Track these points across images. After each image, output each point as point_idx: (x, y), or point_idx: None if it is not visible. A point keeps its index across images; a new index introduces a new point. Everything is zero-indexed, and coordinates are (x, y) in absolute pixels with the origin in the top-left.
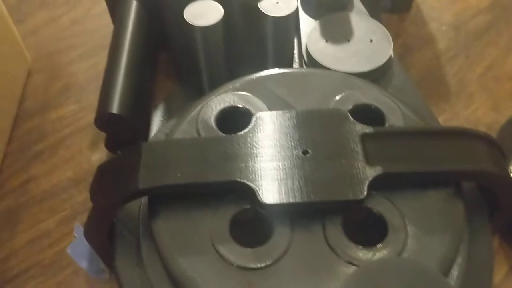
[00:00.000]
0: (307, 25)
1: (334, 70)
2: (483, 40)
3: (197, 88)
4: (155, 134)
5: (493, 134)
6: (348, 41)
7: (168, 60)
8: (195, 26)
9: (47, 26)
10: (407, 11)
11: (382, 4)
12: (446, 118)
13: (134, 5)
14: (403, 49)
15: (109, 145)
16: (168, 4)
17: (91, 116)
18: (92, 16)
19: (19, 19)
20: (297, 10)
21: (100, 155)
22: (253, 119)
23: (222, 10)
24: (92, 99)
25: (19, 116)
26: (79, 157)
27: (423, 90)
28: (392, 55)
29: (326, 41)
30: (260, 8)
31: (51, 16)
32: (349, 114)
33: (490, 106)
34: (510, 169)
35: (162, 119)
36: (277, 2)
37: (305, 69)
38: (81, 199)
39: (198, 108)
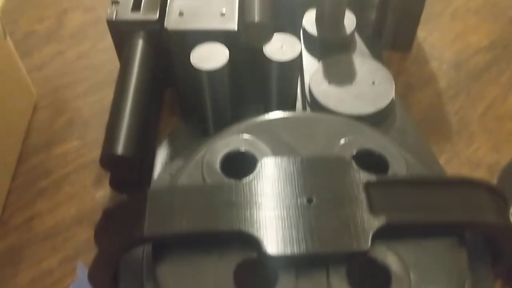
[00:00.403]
0: (310, 64)
1: (337, 114)
2: (483, 79)
3: (202, 126)
4: (160, 174)
5: (495, 175)
6: (351, 82)
7: (174, 96)
8: (202, 70)
9: (53, 60)
10: (408, 50)
11: (384, 42)
12: (448, 158)
13: (140, 44)
14: (405, 87)
15: (114, 184)
16: (175, 47)
17: (95, 152)
18: (98, 51)
19: (26, 53)
20: (300, 54)
21: (104, 192)
22: (258, 165)
23: (228, 53)
24: (96, 134)
25: (24, 151)
26: (83, 194)
27: (425, 129)
28: (394, 97)
29: (329, 83)
30: (265, 52)
31: (57, 50)
32: (353, 162)
33: (491, 146)
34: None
35: (166, 156)
36: (282, 46)
37: (308, 113)
38: (84, 237)
39: (203, 151)
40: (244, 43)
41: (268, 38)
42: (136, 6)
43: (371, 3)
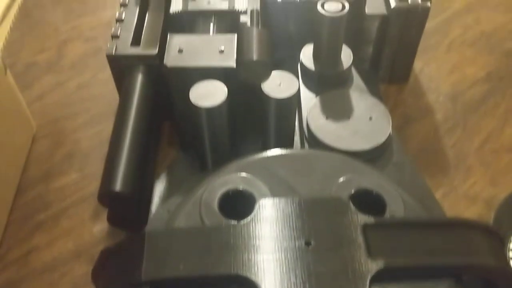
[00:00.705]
0: (308, 99)
1: (335, 151)
2: (480, 111)
3: (200, 159)
4: (158, 210)
5: (492, 210)
6: (348, 118)
7: (172, 128)
8: (201, 108)
9: (53, 91)
10: (405, 82)
11: (380, 75)
12: (445, 192)
13: (139, 78)
14: (401, 119)
15: (111, 219)
16: (174, 83)
17: (93, 185)
18: (98, 82)
19: (26, 84)
20: (298, 91)
21: (101, 226)
22: (256, 207)
23: (226, 91)
24: (95, 167)
25: (22, 184)
26: (81, 228)
27: (421, 162)
28: (391, 133)
29: (327, 118)
30: (263, 90)
31: (57, 81)
32: (350, 203)
33: (488, 180)
34: (510, 247)
35: (164, 190)
36: (280, 83)
37: (306, 151)
38: (81, 272)
39: (201, 190)
40: (243, 80)
41: (266, 75)
42: (136, 41)
43: (367, 37)
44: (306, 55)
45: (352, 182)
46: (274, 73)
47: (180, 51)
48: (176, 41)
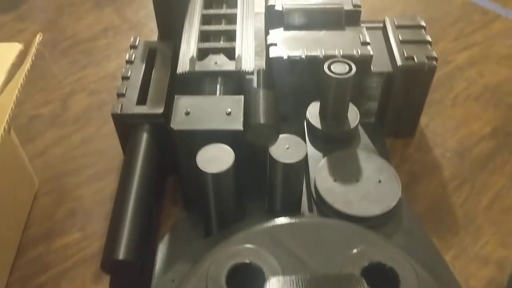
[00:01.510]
0: (315, 158)
1: (344, 216)
2: (488, 168)
3: (205, 222)
4: (161, 278)
5: (504, 272)
6: (357, 180)
7: (175, 182)
8: (207, 173)
9: (56, 145)
10: (411, 136)
11: (386, 129)
12: (455, 254)
13: (144, 137)
14: (409, 176)
15: (114, 286)
16: (181, 146)
17: (96, 245)
18: (101, 136)
19: (29, 138)
20: (306, 156)
21: None
22: (266, 286)
23: (233, 156)
24: (98, 226)
25: (23, 243)
26: None
27: (430, 222)
28: (400, 197)
29: (335, 180)
30: (271, 153)
31: (60, 135)
32: (364, 281)
33: (499, 241)
34: None
35: (168, 253)
36: (287, 148)
37: (316, 219)
38: None
39: (207, 263)
40: (250, 143)
41: (273, 138)
42: (142, 99)
43: (373, 93)
44: (313, 113)
45: (364, 255)
46: (282, 136)
47: (187, 113)
48: (182, 103)
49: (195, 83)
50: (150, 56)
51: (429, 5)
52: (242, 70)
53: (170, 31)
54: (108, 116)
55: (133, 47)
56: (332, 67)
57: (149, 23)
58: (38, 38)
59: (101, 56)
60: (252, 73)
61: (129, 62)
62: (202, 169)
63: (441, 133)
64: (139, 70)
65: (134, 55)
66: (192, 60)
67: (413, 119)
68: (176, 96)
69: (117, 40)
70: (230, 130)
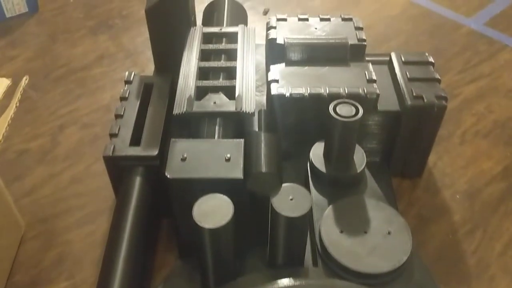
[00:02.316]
0: (320, 205)
1: (351, 272)
2: (499, 212)
3: (202, 275)
4: None
5: None
6: (365, 232)
7: (170, 227)
8: (204, 228)
9: (45, 184)
10: (418, 177)
11: (393, 168)
12: None
13: (138, 181)
14: (417, 220)
15: None
16: (176, 195)
17: None
18: (93, 174)
19: (17, 175)
20: (311, 209)
21: None
22: None
23: (233, 209)
24: (87, 274)
25: None
26: None
27: (441, 271)
28: (412, 250)
29: (341, 231)
30: (273, 205)
31: (50, 172)
32: None
33: None
34: None
35: None
36: (291, 199)
37: (322, 282)
38: None
39: None
40: (250, 193)
41: (276, 188)
42: (136, 140)
43: (379, 132)
44: (317, 154)
45: None
46: (285, 186)
47: (183, 159)
48: (179, 147)
49: (192, 122)
50: (146, 92)
51: (434, 34)
52: (243, 111)
53: (168, 63)
54: (101, 152)
55: (128, 82)
56: (337, 109)
57: (146, 51)
58: (24, 81)
59: (95, 86)
60: (253, 114)
61: (123, 98)
62: (199, 223)
63: (449, 173)
64: (134, 107)
65: (128, 91)
66: (189, 100)
67: (421, 159)
68: (172, 140)
69: (112, 69)
70: (229, 178)
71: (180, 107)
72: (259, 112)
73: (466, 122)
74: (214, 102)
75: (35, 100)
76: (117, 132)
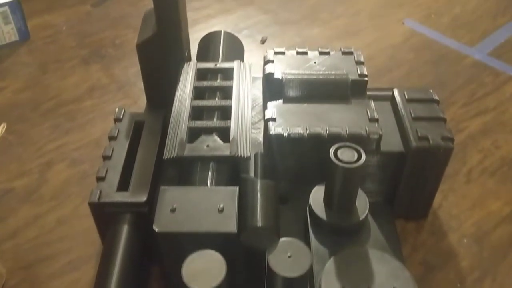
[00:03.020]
0: (320, 255)
1: None
2: (509, 258)
3: None
4: None
5: None
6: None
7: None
8: None
9: (29, 226)
10: (423, 218)
11: (396, 210)
12: None
13: (125, 230)
14: (423, 268)
15: None
16: (165, 249)
17: None
18: (79, 216)
19: (0, 217)
20: (311, 267)
21: None
22: None
23: (225, 267)
24: None
25: None
26: None
27: None
28: None
29: (343, 287)
30: (269, 263)
31: (35, 213)
32: None
33: None
34: None
35: None
36: (289, 255)
37: None
38: None
39: None
40: (245, 248)
41: (272, 243)
42: (123, 185)
43: (382, 173)
44: (316, 200)
45: None
46: (283, 241)
47: (173, 210)
48: (168, 196)
49: (184, 168)
50: (136, 130)
51: (437, 65)
52: (238, 156)
53: (160, 99)
54: (89, 191)
55: (118, 120)
56: (339, 153)
57: (139, 83)
58: (2, 129)
59: (85, 120)
60: (248, 158)
61: (112, 138)
62: (188, 284)
63: (456, 215)
64: (123, 147)
65: (118, 129)
66: (181, 143)
67: (426, 201)
68: (161, 188)
69: (104, 101)
70: (222, 232)
71: (171, 151)
72: (255, 155)
73: (472, 159)
74: (207, 145)
75: (21, 134)
76: (104, 175)
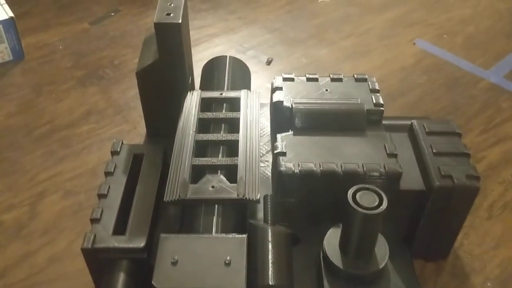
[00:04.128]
0: None
1: None
2: None
3: None
4: None
5: None
6: None
7: None
8: None
9: (19, 265)
10: (443, 259)
11: (415, 249)
12: None
13: (121, 278)
14: None
15: None
16: None
17: None
18: (73, 254)
19: None
20: None
21: None
22: None
23: None
24: None
25: None
26: None
27: None
28: None
29: None
30: None
31: (25, 250)
32: None
33: None
34: None
35: None
36: None
37: None
38: None
39: None
40: None
41: None
42: (120, 227)
43: (401, 212)
44: (331, 244)
45: None
46: None
47: (174, 262)
48: (169, 246)
49: (187, 211)
50: (135, 164)
51: (451, 88)
52: (246, 198)
53: (161, 129)
54: (83, 226)
55: (115, 153)
56: (358, 197)
57: (138, 106)
58: None
59: (80, 147)
60: (258, 201)
61: (109, 173)
62: None
63: (478, 255)
64: (120, 185)
65: (115, 164)
66: (183, 184)
67: (447, 241)
68: (161, 236)
69: (101, 126)
70: None
71: (172, 193)
72: (265, 198)
73: (493, 192)
74: (212, 186)
75: (12, 162)
76: (99, 216)
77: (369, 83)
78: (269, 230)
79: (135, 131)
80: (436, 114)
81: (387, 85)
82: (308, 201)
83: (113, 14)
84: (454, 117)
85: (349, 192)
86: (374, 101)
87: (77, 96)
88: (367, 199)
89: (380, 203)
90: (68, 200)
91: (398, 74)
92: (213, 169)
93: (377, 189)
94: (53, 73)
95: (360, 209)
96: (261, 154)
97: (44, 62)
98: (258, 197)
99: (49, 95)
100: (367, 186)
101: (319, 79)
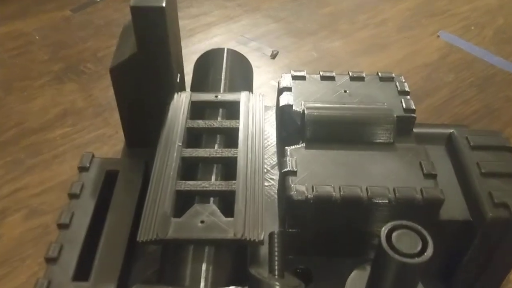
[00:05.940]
0: None
1: None
2: None
3: None
4: None
5: None
6: None
7: None
8: None
9: None
10: None
11: None
12: None
13: None
14: None
15: None
16: None
17: None
18: None
19: None
20: None
21: None
22: None
23: None
24: None
25: None
26: None
27: None
28: None
29: None
30: None
31: None
32: None
33: None
34: None
35: None
36: None
37: None
38: None
39: None
40: None
41: None
42: (82, 271)
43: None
44: None
45: None
46: None
47: None
48: None
49: (167, 253)
50: (107, 184)
51: (483, 88)
52: (245, 239)
53: (142, 140)
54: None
55: (83, 169)
56: (394, 238)
57: None
58: None
59: (52, 155)
60: (261, 242)
61: (73, 196)
62: None
63: None
64: (86, 212)
65: (82, 184)
66: (163, 218)
67: (495, 280)
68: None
69: (77, 130)
70: None
71: (149, 230)
72: (271, 236)
73: None
74: (202, 221)
75: None
76: (57, 255)
77: (397, 83)
78: (276, 283)
79: (118, 136)
80: (467, 119)
81: (409, 84)
82: (324, 232)
83: (98, 0)
84: (488, 122)
85: (382, 231)
86: (404, 106)
87: (53, 94)
88: (406, 242)
89: (424, 248)
90: (32, 221)
91: (421, 71)
92: (204, 196)
93: (420, 228)
94: (26, 67)
95: (397, 257)
96: (265, 170)
97: (18, 54)
98: (262, 237)
99: (20, 92)
100: (406, 223)
101: (336, 78)
